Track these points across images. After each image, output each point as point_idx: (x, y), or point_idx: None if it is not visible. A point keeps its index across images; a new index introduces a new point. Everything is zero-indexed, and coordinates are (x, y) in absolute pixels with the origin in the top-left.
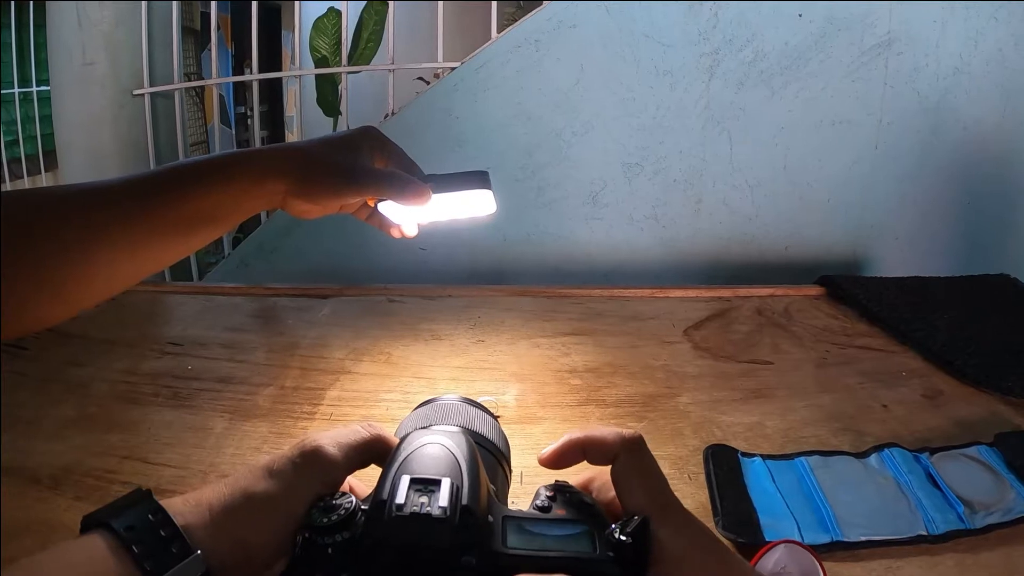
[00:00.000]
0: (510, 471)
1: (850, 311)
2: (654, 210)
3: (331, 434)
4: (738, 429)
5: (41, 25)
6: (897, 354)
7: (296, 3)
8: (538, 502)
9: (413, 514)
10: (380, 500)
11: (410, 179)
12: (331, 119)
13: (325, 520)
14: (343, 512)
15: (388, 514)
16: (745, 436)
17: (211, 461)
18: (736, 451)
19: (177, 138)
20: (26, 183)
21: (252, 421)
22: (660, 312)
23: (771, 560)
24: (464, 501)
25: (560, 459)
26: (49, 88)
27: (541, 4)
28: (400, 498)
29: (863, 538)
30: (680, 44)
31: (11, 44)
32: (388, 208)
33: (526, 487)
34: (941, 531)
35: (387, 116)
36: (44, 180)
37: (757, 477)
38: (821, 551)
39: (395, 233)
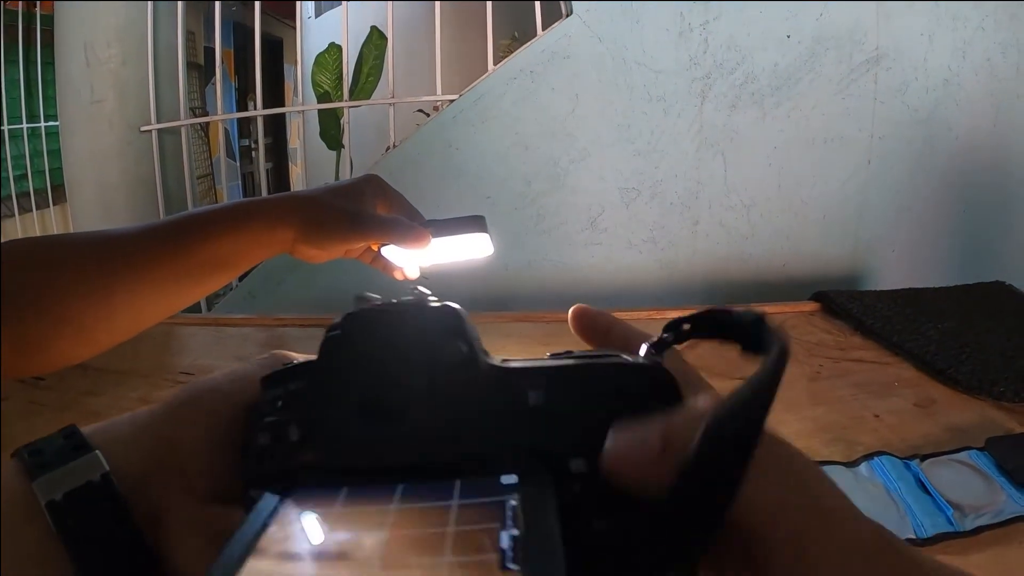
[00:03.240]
0: None
1: (844, 326)
2: (652, 233)
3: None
4: None
5: (49, 63)
6: (890, 365)
7: (298, 37)
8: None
9: (381, 307)
10: (335, 319)
11: (411, 225)
12: (334, 152)
13: (274, 374)
14: (297, 362)
15: (347, 319)
16: None
17: None
18: None
19: (184, 172)
20: (34, 217)
21: None
22: (658, 333)
23: None
24: (444, 302)
25: (592, 320)
26: (57, 124)
27: (536, 36)
28: (361, 305)
29: None
30: (672, 70)
31: (19, 81)
32: (391, 252)
33: None
34: (930, 534)
35: (389, 148)
36: (52, 214)
37: None
38: None
39: (398, 276)
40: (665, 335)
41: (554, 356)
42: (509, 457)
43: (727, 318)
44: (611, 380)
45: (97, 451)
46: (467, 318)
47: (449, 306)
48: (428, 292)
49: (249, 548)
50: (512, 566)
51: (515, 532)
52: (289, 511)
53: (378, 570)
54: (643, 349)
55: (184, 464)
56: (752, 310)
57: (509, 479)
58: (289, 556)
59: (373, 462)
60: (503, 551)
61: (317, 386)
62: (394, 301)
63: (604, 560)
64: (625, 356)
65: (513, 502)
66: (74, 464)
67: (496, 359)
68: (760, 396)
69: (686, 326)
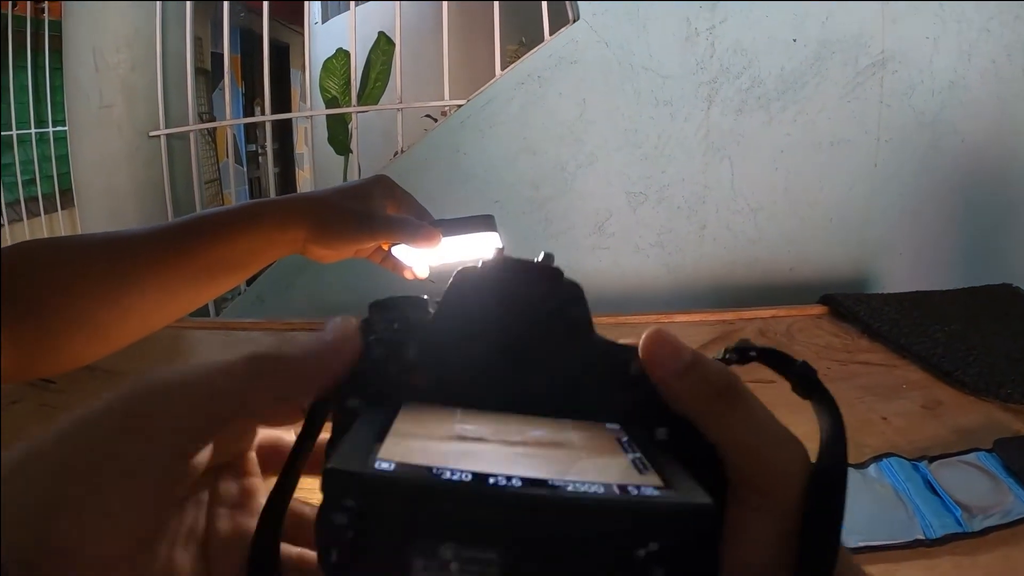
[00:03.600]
0: None
1: (852, 328)
2: (659, 237)
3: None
4: None
5: (57, 68)
6: (898, 368)
7: (305, 43)
8: None
9: (517, 261)
10: (467, 266)
11: (421, 224)
12: (342, 157)
13: (382, 304)
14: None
15: (482, 267)
16: None
17: None
18: None
19: (192, 177)
20: (43, 220)
21: None
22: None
23: None
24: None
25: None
26: (65, 129)
27: (543, 41)
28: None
29: (861, 544)
30: (678, 74)
31: (27, 86)
32: (401, 252)
33: None
34: (938, 535)
35: (397, 154)
36: (60, 218)
37: None
38: None
39: (408, 275)
40: (728, 355)
41: None
42: (607, 415)
43: (787, 359)
44: None
45: None
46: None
47: (575, 281)
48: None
49: (380, 435)
50: (647, 472)
51: (637, 454)
52: (411, 410)
53: (518, 434)
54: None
55: None
56: (805, 362)
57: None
58: (427, 430)
59: (484, 396)
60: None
61: (441, 316)
62: (523, 261)
63: None
64: None
65: (625, 437)
66: None
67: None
68: (842, 450)
69: (752, 353)
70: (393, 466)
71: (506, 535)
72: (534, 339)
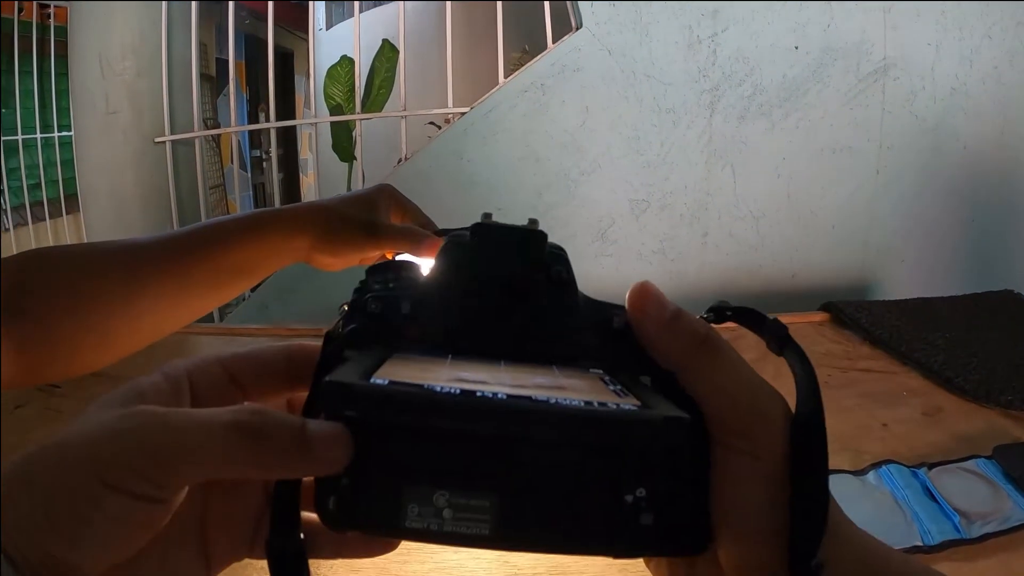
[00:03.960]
0: None
1: (853, 336)
2: (662, 244)
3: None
4: None
5: (63, 73)
6: (898, 375)
7: (309, 49)
8: None
9: (503, 225)
10: (456, 230)
11: (424, 233)
12: (346, 164)
13: (378, 267)
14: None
15: (472, 227)
16: None
17: None
18: None
19: (197, 182)
20: (48, 225)
21: None
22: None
23: None
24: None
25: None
26: (70, 134)
27: (546, 49)
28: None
29: None
30: (681, 82)
31: (33, 91)
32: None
33: None
34: (936, 541)
35: (400, 161)
36: (65, 223)
37: None
38: None
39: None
40: (707, 314)
41: None
42: (592, 365)
43: (760, 317)
44: None
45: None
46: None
47: (558, 244)
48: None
49: (376, 365)
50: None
51: (617, 385)
52: (405, 353)
53: (507, 376)
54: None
55: None
56: (777, 319)
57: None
58: (422, 365)
59: (475, 347)
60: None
61: (435, 274)
62: (512, 226)
63: None
64: None
65: (607, 377)
66: None
67: None
68: (817, 398)
69: (728, 313)
70: (388, 381)
71: (496, 454)
72: (520, 294)
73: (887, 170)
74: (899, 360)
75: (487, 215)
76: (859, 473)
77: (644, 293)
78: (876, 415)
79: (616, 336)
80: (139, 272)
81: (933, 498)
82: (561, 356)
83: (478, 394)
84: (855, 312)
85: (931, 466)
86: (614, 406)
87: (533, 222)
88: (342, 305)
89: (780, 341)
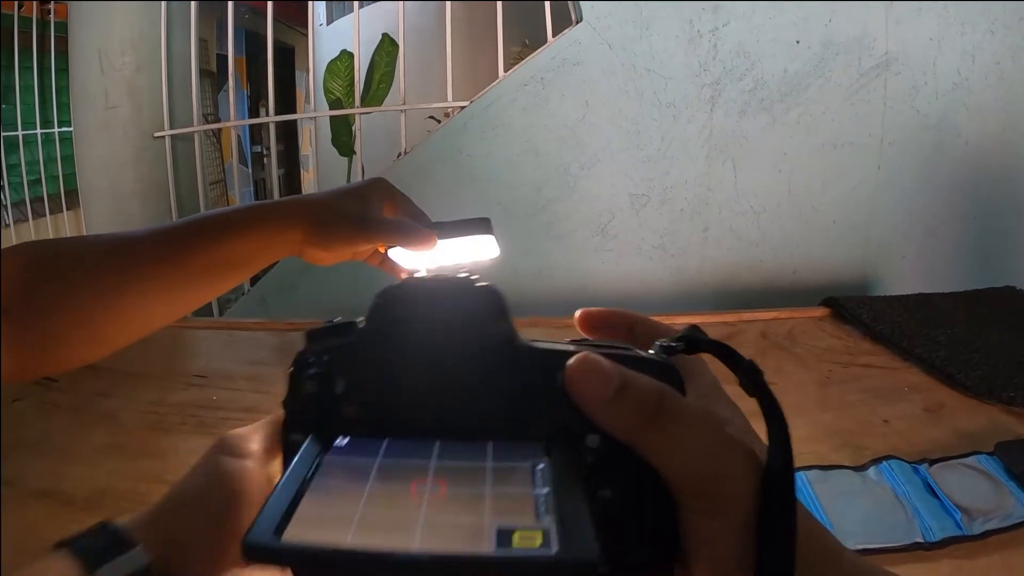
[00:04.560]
0: None
1: (854, 331)
2: (662, 240)
3: (252, 426)
4: None
5: (63, 69)
6: (900, 371)
7: (310, 44)
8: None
9: (430, 283)
10: (389, 285)
11: (417, 227)
12: (346, 158)
13: (320, 328)
14: (343, 319)
15: (399, 287)
16: None
17: None
18: None
19: (197, 178)
20: (48, 221)
21: None
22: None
23: None
24: (488, 284)
25: (604, 321)
26: (70, 130)
27: (546, 43)
28: (417, 276)
29: (859, 547)
30: (681, 76)
31: (33, 87)
32: (397, 254)
33: None
34: (938, 538)
35: (400, 155)
36: (66, 218)
37: None
38: None
39: (404, 278)
40: (676, 344)
41: (573, 342)
42: (535, 428)
43: (735, 356)
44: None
45: (140, 545)
46: (506, 299)
47: (493, 287)
48: (474, 275)
49: (300, 493)
50: (545, 518)
51: (545, 490)
52: (334, 459)
53: (421, 515)
54: (655, 347)
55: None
56: (752, 362)
57: (535, 447)
58: (339, 500)
59: (412, 421)
60: (536, 505)
61: (365, 344)
62: (442, 277)
63: (605, 528)
64: (638, 351)
65: (541, 465)
66: (123, 558)
67: (526, 339)
68: (787, 449)
69: (701, 345)
70: (301, 543)
71: None
72: (453, 359)
73: (888, 166)
74: (900, 356)
75: (312, 333)
76: (860, 469)
77: (583, 369)
78: (877, 411)
79: (561, 394)
80: (130, 266)
81: (934, 494)
82: (504, 423)
83: (385, 555)
84: (856, 307)
85: (932, 462)
86: (519, 551)
87: (468, 275)
88: (291, 365)
89: (754, 385)
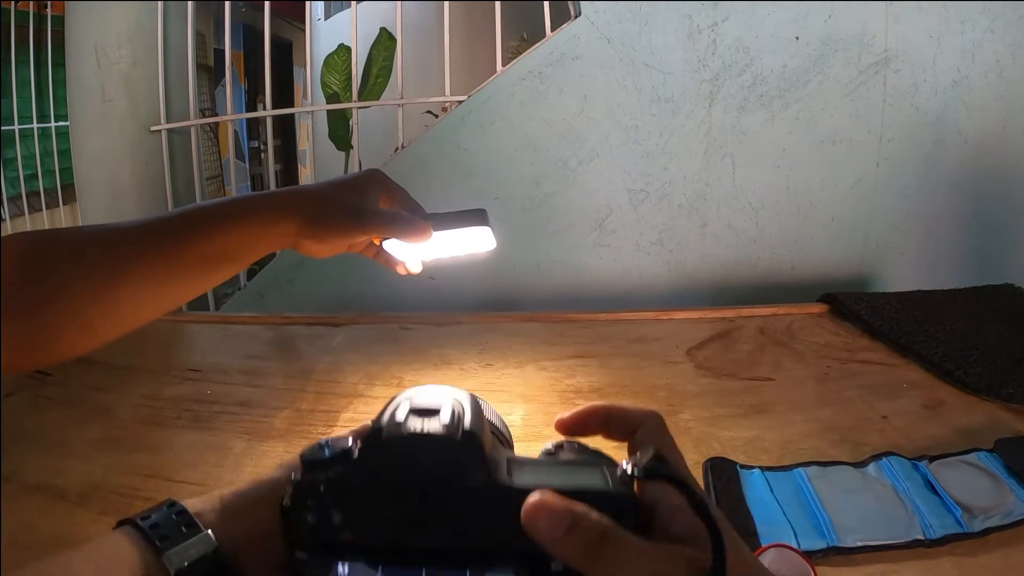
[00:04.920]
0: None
1: (853, 327)
2: (660, 235)
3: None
4: (737, 443)
5: (60, 64)
6: (899, 367)
7: (307, 40)
8: (545, 449)
9: (412, 434)
10: (377, 426)
11: (412, 219)
12: (343, 153)
13: (318, 456)
14: (337, 448)
15: (386, 436)
16: (744, 450)
17: (230, 479)
18: (735, 463)
19: (193, 172)
20: (44, 216)
21: (269, 442)
22: (664, 334)
23: (763, 563)
24: (467, 426)
25: (579, 423)
26: (67, 124)
27: (544, 37)
28: (399, 419)
29: (859, 543)
30: (680, 71)
31: (30, 81)
32: (393, 246)
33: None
34: (938, 535)
35: (397, 149)
36: (62, 213)
37: (755, 488)
38: (818, 557)
39: (400, 270)
40: (636, 471)
41: (547, 453)
42: (507, 556)
43: (688, 489)
44: (589, 503)
45: (208, 530)
46: (484, 438)
47: (473, 434)
48: (458, 415)
49: None
50: None
51: None
52: None
53: None
54: (619, 471)
55: (260, 543)
56: (703, 498)
57: (509, 571)
58: None
59: (401, 550)
60: None
61: (358, 481)
62: (427, 431)
63: None
64: (607, 469)
65: None
66: (192, 540)
67: (504, 456)
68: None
69: (659, 476)
70: None
71: None
72: (437, 499)
73: (888, 163)
74: (899, 352)
75: (375, 430)
76: (859, 465)
77: (537, 510)
78: (876, 407)
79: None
80: (122, 258)
81: (934, 491)
82: (479, 555)
83: None
84: (854, 304)
85: (932, 459)
86: None
87: (450, 426)
88: (290, 489)
89: (702, 515)
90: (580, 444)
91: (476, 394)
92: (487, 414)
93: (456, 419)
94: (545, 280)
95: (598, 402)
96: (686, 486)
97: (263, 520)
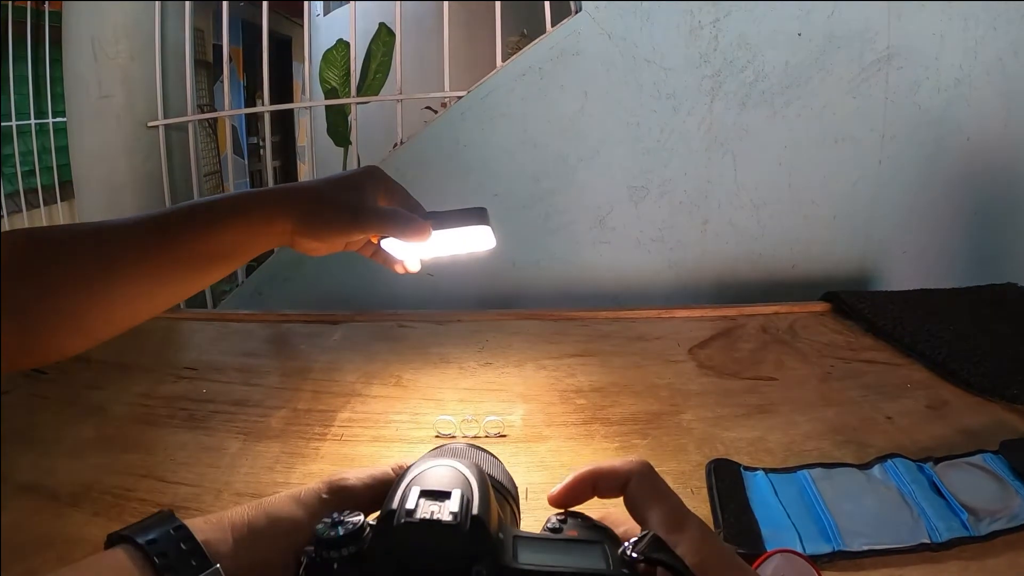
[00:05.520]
0: (518, 511)
1: (855, 326)
2: (661, 232)
3: (359, 471)
4: (741, 444)
5: (57, 60)
6: (902, 367)
7: (306, 36)
8: (549, 525)
9: (423, 520)
10: (389, 510)
11: (411, 217)
12: (341, 149)
13: (332, 534)
14: (351, 527)
15: (397, 521)
16: (748, 451)
17: (225, 480)
18: (739, 465)
19: (191, 169)
20: (42, 212)
21: (265, 442)
22: (665, 332)
23: (768, 569)
24: (475, 511)
25: (570, 495)
26: (64, 120)
27: (545, 33)
28: (410, 505)
29: (865, 547)
30: (681, 68)
31: (27, 78)
32: (391, 245)
33: (531, 503)
34: (944, 539)
35: (396, 145)
36: (60, 209)
37: (759, 490)
38: (823, 561)
39: (399, 269)
40: (637, 555)
41: (550, 529)
42: None
43: (688, 572)
44: None
45: (218, 565)
46: (492, 521)
47: (480, 521)
48: (467, 501)
49: None
50: None
51: None
52: None
53: None
54: (619, 552)
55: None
56: None
57: None
58: None
59: None
60: None
61: (367, 562)
62: (436, 520)
63: None
64: (608, 547)
65: None
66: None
67: (510, 535)
68: None
69: (658, 562)
70: None
71: None
72: None
73: (890, 160)
74: (903, 352)
75: (388, 514)
76: (864, 467)
77: None
78: (880, 407)
79: None
80: (116, 256)
81: (940, 494)
82: None
83: None
84: (857, 302)
85: (937, 460)
86: None
87: (459, 514)
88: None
89: None
90: (583, 517)
91: (481, 447)
92: (492, 471)
93: (465, 505)
94: (545, 278)
95: (583, 468)
96: (683, 572)
97: (277, 562)
